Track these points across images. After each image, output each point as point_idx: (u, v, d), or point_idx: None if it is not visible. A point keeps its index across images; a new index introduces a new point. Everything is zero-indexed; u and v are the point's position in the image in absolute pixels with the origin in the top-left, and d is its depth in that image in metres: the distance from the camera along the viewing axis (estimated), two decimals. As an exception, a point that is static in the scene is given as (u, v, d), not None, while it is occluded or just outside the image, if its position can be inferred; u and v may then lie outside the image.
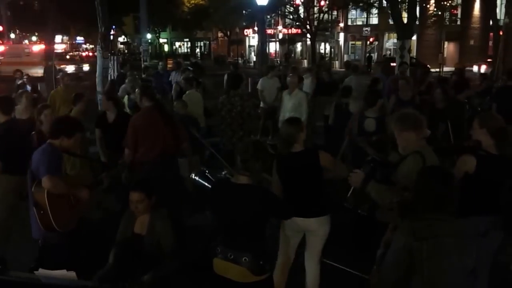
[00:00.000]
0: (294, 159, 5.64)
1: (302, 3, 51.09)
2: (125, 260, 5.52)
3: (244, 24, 63.35)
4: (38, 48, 41.72)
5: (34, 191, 5.30)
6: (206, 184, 5.39)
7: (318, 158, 5.68)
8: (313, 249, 5.93)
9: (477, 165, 5.31)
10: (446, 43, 52.45)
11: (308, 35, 52.11)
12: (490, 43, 44.15)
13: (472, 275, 5.15)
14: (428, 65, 26.59)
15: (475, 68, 39.79)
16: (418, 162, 4.89)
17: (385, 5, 29.74)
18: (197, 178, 5.53)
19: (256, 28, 48.45)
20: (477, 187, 5.22)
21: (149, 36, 35.68)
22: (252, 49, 72.41)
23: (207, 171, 5.59)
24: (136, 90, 8.62)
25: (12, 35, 65.96)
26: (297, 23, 54.17)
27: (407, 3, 25.27)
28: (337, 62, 62.61)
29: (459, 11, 54.94)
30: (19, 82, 16.87)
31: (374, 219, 5.52)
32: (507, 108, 10.41)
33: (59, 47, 51.46)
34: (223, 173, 5.46)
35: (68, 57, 50.95)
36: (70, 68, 35.48)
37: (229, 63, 60.14)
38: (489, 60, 38.19)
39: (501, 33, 35.59)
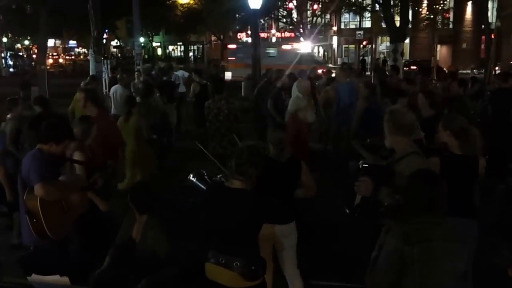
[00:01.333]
0: (281, 166, 5.64)
1: (295, 6, 51.18)
2: (120, 263, 5.49)
3: (237, 27, 63.35)
4: (288, 47, 37.37)
5: (26, 198, 5.20)
6: (202, 186, 5.37)
7: (301, 170, 5.77)
8: (290, 254, 5.95)
9: (441, 166, 5.38)
10: (438, 46, 52.60)
11: (302, 39, 52.19)
12: (482, 46, 44.35)
13: (463, 278, 5.16)
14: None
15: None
16: (421, 162, 4.94)
17: (378, 8, 29.76)
18: (194, 180, 5.53)
19: (249, 32, 48.49)
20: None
21: (142, 39, 35.70)
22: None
23: (205, 174, 5.58)
24: (78, 93, 8.57)
25: (4, 39, 65.82)
26: (291, 27, 54.21)
27: (399, 7, 25.37)
28: (330, 65, 62.72)
29: (451, 15, 55.17)
30: None
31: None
32: (502, 110, 10.46)
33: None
34: (218, 176, 5.44)
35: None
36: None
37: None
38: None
39: (493, 36, 35.76)
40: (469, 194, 5.62)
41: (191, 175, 5.64)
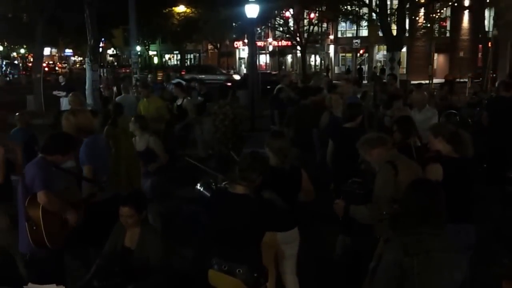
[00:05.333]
0: (283, 174, 5.59)
1: (292, 15, 51.27)
2: (110, 273, 5.45)
3: (234, 36, 63.46)
4: None
5: (28, 205, 5.21)
6: (210, 195, 5.40)
7: (302, 177, 5.75)
8: (291, 260, 5.92)
9: (444, 170, 5.43)
10: (435, 54, 52.79)
11: (299, 47, 52.29)
12: (479, 54, 44.48)
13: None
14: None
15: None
16: (389, 170, 5.17)
17: (375, 17, 29.84)
18: (201, 189, 5.57)
19: (246, 41, 48.61)
20: (449, 193, 5.24)
21: (138, 48, 35.64)
22: (242, 61, 72.54)
23: (213, 183, 5.61)
24: None
25: (0, 47, 65.83)
26: (287, 36, 54.31)
27: (396, 16, 25.42)
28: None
29: (448, 23, 55.35)
30: None
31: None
32: (499, 118, 10.43)
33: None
34: (224, 183, 5.45)
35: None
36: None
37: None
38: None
39: (490, 44, 35.86)
40: (468, 198, 5.63)
41: (199, 185, 5.69)
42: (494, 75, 35.71)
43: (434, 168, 5.48)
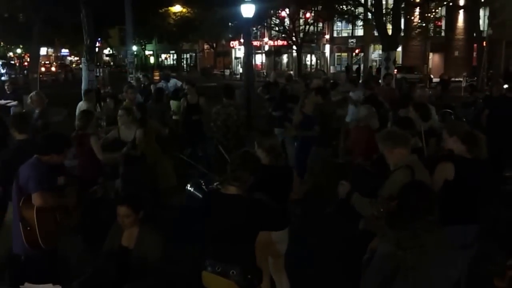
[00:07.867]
0: (277, 173, 5.61)
1: (288, 15, 51.29)
2: (107, 272, 5.46)
3: (230, 36, 63.42)
4: None
5: (22, 206, 5.21)
6: (200, 195, 5.39)
7: (293, 175, 5.77)
8: (281, 258, 5.94)
9: (455, 170, 5.38)
10: (431, 54, 52.84)
11: (294, 47, 52.31)
12: (474, 54, 44.55)
13: (457, 286, 5.15)
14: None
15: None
16: (407, 176, 4.99)
17: (370, 17, 29.88)
18: (192, 190, 5.54)
19: (242, 40, 48.60)
20: (458, 193, 5.24)
21: (134, 48, 35.55)
22: (238, 61, 72.44)
23: (203, 183, 5.59)
24: None
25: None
26: (283, 35, 54.32)
27: (391, 15, 25.46)
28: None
29: (443, 23, 55.35)
30: None
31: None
32: (500, 118, 10.38)
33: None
34: (215, 184, 5.45)
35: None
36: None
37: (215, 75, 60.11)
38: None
39: (484, 44, 35.93)
40: (475, 200, 5.58)
41: (189, 185, 5.67)
42: (491, 72, 35.81)
43: (446, 166, 5.42)
